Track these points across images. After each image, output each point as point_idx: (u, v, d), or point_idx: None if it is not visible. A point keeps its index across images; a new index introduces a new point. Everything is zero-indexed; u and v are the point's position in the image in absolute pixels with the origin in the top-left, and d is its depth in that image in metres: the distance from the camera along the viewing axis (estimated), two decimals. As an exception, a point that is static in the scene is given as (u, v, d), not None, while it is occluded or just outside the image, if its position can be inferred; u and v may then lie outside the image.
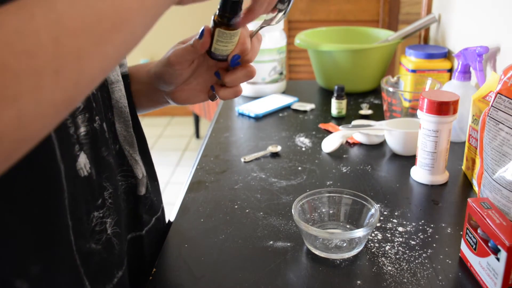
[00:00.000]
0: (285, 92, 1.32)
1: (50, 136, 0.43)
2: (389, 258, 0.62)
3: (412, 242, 0.65)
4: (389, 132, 0.91)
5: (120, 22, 0.34)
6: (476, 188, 0.77)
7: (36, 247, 0.43)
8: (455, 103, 0.76)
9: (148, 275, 0.61)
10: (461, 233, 0.65)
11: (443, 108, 0.75)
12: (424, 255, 0.62)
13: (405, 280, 0.58)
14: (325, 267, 0.61)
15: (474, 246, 0.57)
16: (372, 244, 0.65)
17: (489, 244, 0.54)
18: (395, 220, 0.70)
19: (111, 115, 0.58)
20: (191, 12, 3.26)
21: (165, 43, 3.31)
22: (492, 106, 0.64)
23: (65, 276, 0.47)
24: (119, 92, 0.59)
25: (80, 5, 0.31)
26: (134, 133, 0.62)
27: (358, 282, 0.58)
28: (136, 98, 0.68)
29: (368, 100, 1.22)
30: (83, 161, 0.48)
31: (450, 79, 1.09)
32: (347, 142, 0.98)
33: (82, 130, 0.48)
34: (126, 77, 0.64)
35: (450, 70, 1.13)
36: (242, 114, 1.16)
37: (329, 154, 0.93)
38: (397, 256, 0.62)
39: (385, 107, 1.04)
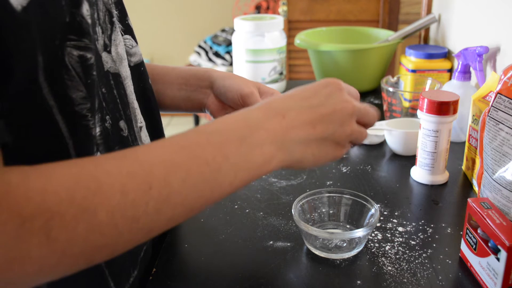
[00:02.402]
0: (285, 92, 1.31)
1: (64, 137, 0.43)
2: (389, 258, 0.62)
3: (412, 242, 0.65)
4: (389, 132, 0.91)
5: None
6: (476, 188, 0.77)
7: None
8: (455, 103, 0.76)
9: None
10: (461, 233, 0.65)
11: (443, 108, 0.75)
12: (424, 255, 0.62)
13: (405, 280, 0.58)
14: (325, 267, 0.61)
15: (474, 246, 0.57)
16: (372, 244, 0.65)
17: (489, 244, 0.54)
18: (395, 220, 0.70)
19: (129, 112, 0.57)
20: (191, 13, 3.27)
21: (165, 43, 3.32)
22: (492, 106, 0.64)
23: (88, 277, 0.49)
24: (129, 87, 0.57)
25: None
26: (153, 128, 0.63)
27: (358, 282, 0.58)
28: (173, 92, 0.68)
29: (368, 100, 1.22)
30: None
31: (450, 79, 1.09)
32: (347, 142, 0.98)
33: (97, 130, 0.48)
34: (140, 65, 0.61)
35: (450, 70, 1.13)
36: (242, 114, 1.16)
37: (329, 154, 0.93)
38: (397, 256, 0.62)
39: (385, 107, 1.04)
